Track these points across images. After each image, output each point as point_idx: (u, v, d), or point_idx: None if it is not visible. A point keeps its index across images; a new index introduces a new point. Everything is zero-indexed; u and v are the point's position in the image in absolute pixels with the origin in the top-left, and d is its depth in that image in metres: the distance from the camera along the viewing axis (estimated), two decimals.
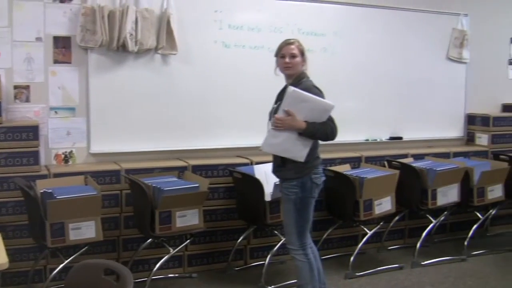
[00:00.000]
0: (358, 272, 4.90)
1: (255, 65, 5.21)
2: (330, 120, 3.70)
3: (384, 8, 5.85)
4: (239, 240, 4.89)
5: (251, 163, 4.95)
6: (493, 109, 6.64)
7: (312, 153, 3.76)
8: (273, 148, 3.79)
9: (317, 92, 3.73)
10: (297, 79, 3.82)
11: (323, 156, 5.19)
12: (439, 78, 6.24)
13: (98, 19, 4.54)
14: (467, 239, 5.45)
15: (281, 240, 4.70)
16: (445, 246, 5.72)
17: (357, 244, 5.09)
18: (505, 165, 5.63)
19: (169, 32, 4.82)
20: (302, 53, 3.85)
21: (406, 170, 5.14)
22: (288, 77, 3.88)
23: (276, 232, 4.78)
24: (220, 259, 5.01)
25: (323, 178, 3.91)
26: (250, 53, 5.25)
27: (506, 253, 5.58)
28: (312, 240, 4.00)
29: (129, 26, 4.61)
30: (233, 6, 5.18)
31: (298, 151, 3.67)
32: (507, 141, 6.31)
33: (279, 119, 3.64)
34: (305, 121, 3.63)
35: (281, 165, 3.80)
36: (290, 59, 3.81)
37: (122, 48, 4.67)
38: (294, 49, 3.83)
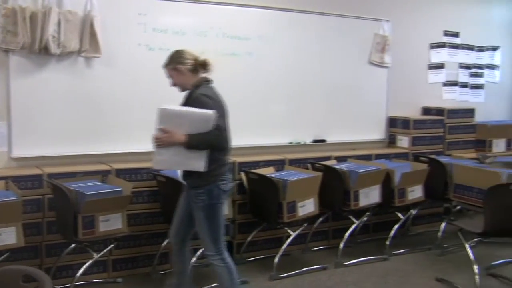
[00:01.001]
0: (283, 274, 5.01)
1: None
2: (216, 129, 3.64)
3: (309, 13, 6.02)
4: (163, 244, 4.92)
5: None
6: (413, 112, 6.97)
7: (217, 160, 3.77)
8: (163, 164, 3.88)
9: (204, 101, 3.68)
10: (194, 88, 3.84)
11: (247, 159, 5.38)
12: (361, 82, 6.48)
13: (20, 20, 4.49)
14: (389, 239, 5.67)
15: None
16: (368, 246, 5.93)
17: (281, 246, 5.20)
18: (424, 166, 5.88)
19: (93, 34, 4.83)
20: (175, 69, 3.88)
21: (329, 172, 5.30)
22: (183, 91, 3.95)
23: None
24: (145, 263, 5.04)
25: (231, 184, 3.96)
26: None
27: (426, 251, 5.83)
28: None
29: (51, 28, 4.59)
30: (158, 9, 5.21)
31: (194, 162, 3.68)
32: (426, 143, 6.60)
33: (156, 138, 3.63)
34: (187, 134, 3.61)
35: (187, 174, 3.85)
36: (171, 81, 3.95)
37: (45, 50, 4.64)
38: (167, 73, 3.94)
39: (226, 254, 3.94)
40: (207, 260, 4.01)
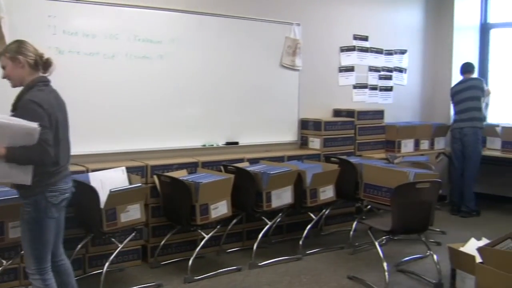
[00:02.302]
0: (197, 276, 5.10)
1: (90, 72, 5.33)
2: (41, 143, 3.34)
3: (221, 17, 6.15)
4: (77, 249, 4.92)
5: (87, 171, 5.03)
6: (325, 114, 7.21)
7: (45, 171, 3.48)
8: None
9: (31, 108, 3.39)
10: (26, 88, 3.55)
11: (159, 162, 5.47)
12: (273, 85, 6.66)
13: None
14: (302, 239, 5.84)
15: (118, 247, 4.85)
16: (281, 247, 6.09)
17: (196, 248, 5.27)
18: (335, 167, 6.08)
19: (0, 37, 4.78)
20: (14, 59, 3.55)
21: (241, 174, 5.44)
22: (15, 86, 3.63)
23: (113, 239, 4.93)
24: None
25: (64, 196, 3.65)
26: (85, 59, 5.30)
27: (339, 250, 6.04)
28: (65, 255, 3.94)
29: None
30: (68, 11, 5.19)
31: (19, 175, 3.42)
32: (337, 144, 6.84)
33: None
34: (6, 147, 3.31)
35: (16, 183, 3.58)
36: (3, 72, 3.62)
37: None
38: (1, 62, 3.61)
39: (49, 275, 3.64)
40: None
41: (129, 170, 5.20)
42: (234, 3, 6.32)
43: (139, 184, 4.95)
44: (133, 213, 4.75)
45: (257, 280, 5.16)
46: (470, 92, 7.68)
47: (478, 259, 4.31)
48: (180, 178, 5.09)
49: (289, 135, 6.89)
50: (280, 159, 6.26)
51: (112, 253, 4.85)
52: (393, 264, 5.47)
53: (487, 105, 8.00)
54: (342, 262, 5.70)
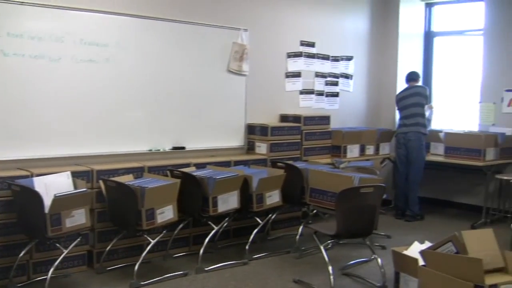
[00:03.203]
0: (143, 281, 5.11)
1: (35, 75, 5.31)
2: None
3: (168, 21, 6.20)
4: (20, 255, 4.89)
5: (31, 175, 5.00)
6: (271, 120, 7.34)
7: None
8: None
9: None
10: None
11: (105, 167, 5.51)
12: (220, 90, 6.74)
13: None
14: (248, 244, 5.92)
15: (63, 252, 4.84)
16: (228, 251, 6.15)
17: (142, 253, 5.28)
18: (281, 172, 6.19)
19: None
20: None
21: (187, 179, 5.48)
22: None
23: (58, 245, 4.90)
24: (1, 276, 4.97)
25: None
26: (31, 62, 5.28)
27: (284, 254, 6.14)
28: None
29: None
30: (13, 13, 5.16)
31: None
32: (284, 149, 6.96)
33: None
34: None
35: None
36: None
37: None
38: None
39: None
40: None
41: (74, 174, 5.19)
42: (182, 7, 6.38)
43: (84, 189, 4.95)
44: (78, 218, 4.76)
45: (203, 285, 5.21)
46: (415, 99, 7.91)
47: (421, 262, 4.48)
48: (126, 183, 5.10)
49: (236, 140, 6.98)
50: (226, 164, 6.32)
51: (57, 259, 4.85)
52: (339, 268, 5.61)
53: (429, 121, 8.23)
54: (288, 266, 5.79)
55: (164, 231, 5.42)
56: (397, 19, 8.90)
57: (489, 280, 4.06)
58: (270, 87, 7.36)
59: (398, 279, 4.82)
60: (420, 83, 8.23)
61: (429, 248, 4.59)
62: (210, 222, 5.72)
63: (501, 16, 8.20)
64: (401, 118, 8.09)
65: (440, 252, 4.40)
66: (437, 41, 9.30)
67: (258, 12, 7.15)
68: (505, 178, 7.68)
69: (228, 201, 5.63)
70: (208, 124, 6.65)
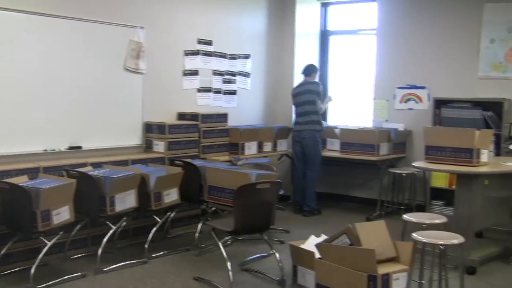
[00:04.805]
0: (40, 284, 5.05)
1: None
2: None
3: (64, 18, 6.14)
4: None
5: None
6: (169, 118, 7.40)
7: None
8: None
9: None
10: None
11: None
12: (117, 88, 6.74)
13: None
14: (148, 242, 5.97)
15: None
16: (128, 251, 6.17)
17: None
18: (179, 170, 6.27)
19: None
20: None
21: (83, 178, 5.47)
22: None
23: None
24: None
25: None
26: None
27: (184, 252, 6.24)
28: None
29: None
30: None
31: None
32: (182, 147, 7.04)
33: None
34: None
35: None
36: None
37: None
38: None
39: None
40: None
41: None
42: (78, 5, 6.33)
43: None
44: None
45: (102, 285, 5.22)
46: (306, 97, 8.17)
47: (317, 255, 4.67)
48: (20, 184, 5.03)
49: (134, 138, 7.00)
50: (124, 163, 6.35)
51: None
52: (238, 264, 5.76)
53: (321, 109, 8.45)
54: (188, 264, 5.89)
55: (61, 233, 5.36)
56: (293, 18, 9.17)
57: (382, 269, 4.29)
58: (168, 85, 7.42)
59: (296, 272, 5.01)
60: (316, 77, 8.43)
61: (324, 241, 4.79)
62: (108, 222, 5.72)
63: (393, 16, 8.61)
64: (295, 116, 8.34)
65: (335, 245, 4.60)
66: (332, 40, 9.63)
67: (155, 10, 7.18)
68: (398, 171, 8.09)
69: (126, 200, 5.65)
70: (105, 123, 6.63)
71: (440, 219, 5.01)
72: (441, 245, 4.26)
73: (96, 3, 6.53)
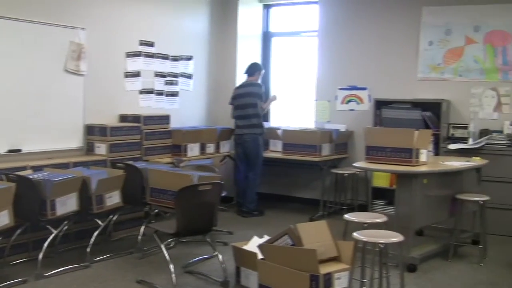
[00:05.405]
0: None
1: None
2: None
3: (2, 18, 6.04)
4: None
5: None
6: (111, 120, 7.35)
7: None
8: None
9: None
10: None
11: None
12: (57, 90, 6.66)
13: None
14: (90, 246, 5.92)
15: None
16: (70, 255, 6.10)
17: None
18: (121, 172, 6.23)
19: None
20: None
21: (23, 182, 5.38)
22: None
23: None
24: None
25: None
26: None
27: (127, 255, 6.22)
28: None
29: None
30: None
31: None
32: (124, 149, 7.01)
33: None
34: None
35: None
36: None
37: None
38: None
39: None
40: None
41: None
42: (17, 5, 6.23)
43: None
44: None
45: None
46: (247, 99, 8.24)
47: (260, 256, 4.73)
48: None
49: (75, 141, 6.93)
50: (65, 166, 6.29)
51: None
52: (182, 266, 5.78)
53: (264, 110, 8.54)
54: (131, 267, 5.87)
55: (0, 238, 5.30)
56: (235, 20, 9.24)
57: (324, 269, 4.38)
58: (109, 87, 7.37)
59: (239, 273, 5.08)
60: (260, 76, 8.49)
61: (266, 242, 4.85)
62: (49, 226, 5.65)
63: (334, 18, 8.77)
64: (236, 118, 8.38)
65: (277, 245, 4.67)
66: (274, 42, 9.73)
67: (96, 11, 7.13)
68: (340, 172, 8.23)
69: (67, 204, 5.59)
70: (46, 126, 6.55)
71: (380, 218, 5.13)
72: (381, 243, 4.37)
73: (36, 4, 6.44)
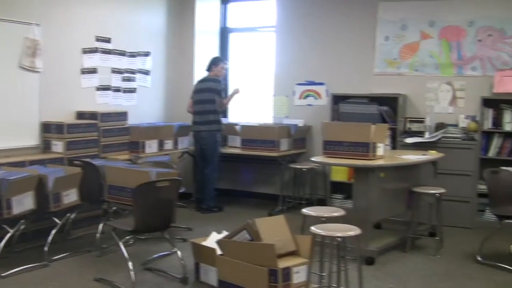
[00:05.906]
0: None
1: None
2: None
3: None
4: None
5: None
6: (68, 117, 7.29)
7: None
8: None
9: None
10: None
11: None
12: (12, 87, 6.57)
13: None
14: (47, 245, 5.86)
15: None
16: (27, 254, 6.03)
17: None
18: (78, 170, 6.18)
19: None
20: None
21: None
22: None
23: None
24: None
25: None
26: None
27: (86, 253, 6.19)
28: None
29: None
30: None
31: None
32: (81, 147, 6.97)
33: None
34: None
35: None
36: None
37: None
38: None
39: None
40: None
41: None
42: None
43: None
44: None
45: None
46: (206, 95, 8.22)
47: (218, 252, 4.76)
48: None
49: (31, 139, 6.84)
50: (21, 164, 6.21)
51: None
52: (141, 263, 5.77)
53: (223, 105, 8.52)
54: (89, 265, 5.84)
55: None
56: (193, 15, 9.24)
57: (282, 263, 4.44)
58: (66, 84, 7.30)
59: (198, 269, 5.11)
60: (221, 71, 8.43)
61: (225, 237, 4.89)
62: (5, 226, 5.59)
63: (291, 13, 8.84)
64: (194, 114, 8.35)
65: (235, 241, 4.71)
66: (232, 37, 9.75)
67: (51, 6, 7.04)
68: (298, 167, 8.30)
69: (23, 202, 5.53)
70: (1, 124, 6.46)
71: (338, 212, 5.19)
72: (339, 237, 4.43)
73: None
